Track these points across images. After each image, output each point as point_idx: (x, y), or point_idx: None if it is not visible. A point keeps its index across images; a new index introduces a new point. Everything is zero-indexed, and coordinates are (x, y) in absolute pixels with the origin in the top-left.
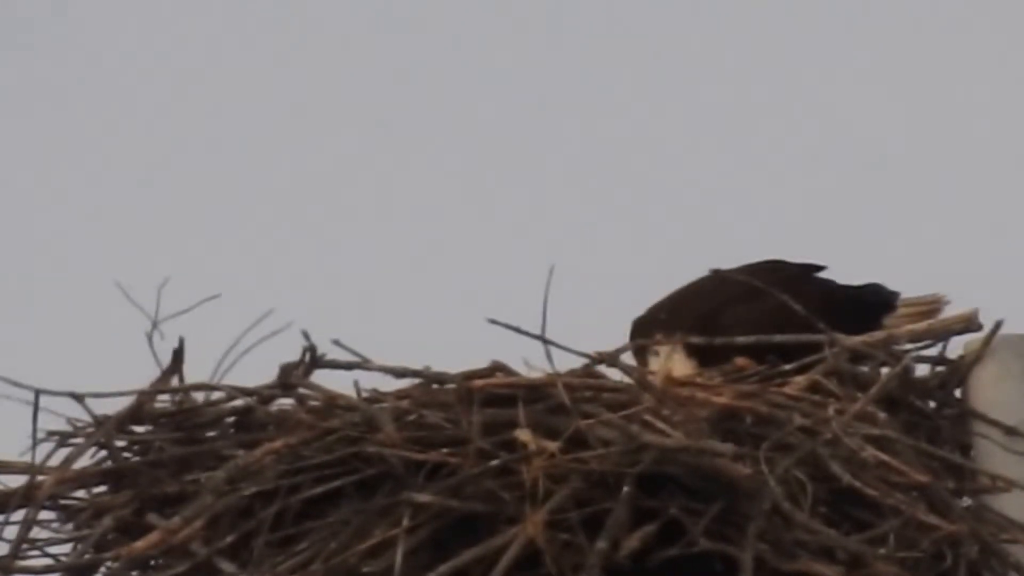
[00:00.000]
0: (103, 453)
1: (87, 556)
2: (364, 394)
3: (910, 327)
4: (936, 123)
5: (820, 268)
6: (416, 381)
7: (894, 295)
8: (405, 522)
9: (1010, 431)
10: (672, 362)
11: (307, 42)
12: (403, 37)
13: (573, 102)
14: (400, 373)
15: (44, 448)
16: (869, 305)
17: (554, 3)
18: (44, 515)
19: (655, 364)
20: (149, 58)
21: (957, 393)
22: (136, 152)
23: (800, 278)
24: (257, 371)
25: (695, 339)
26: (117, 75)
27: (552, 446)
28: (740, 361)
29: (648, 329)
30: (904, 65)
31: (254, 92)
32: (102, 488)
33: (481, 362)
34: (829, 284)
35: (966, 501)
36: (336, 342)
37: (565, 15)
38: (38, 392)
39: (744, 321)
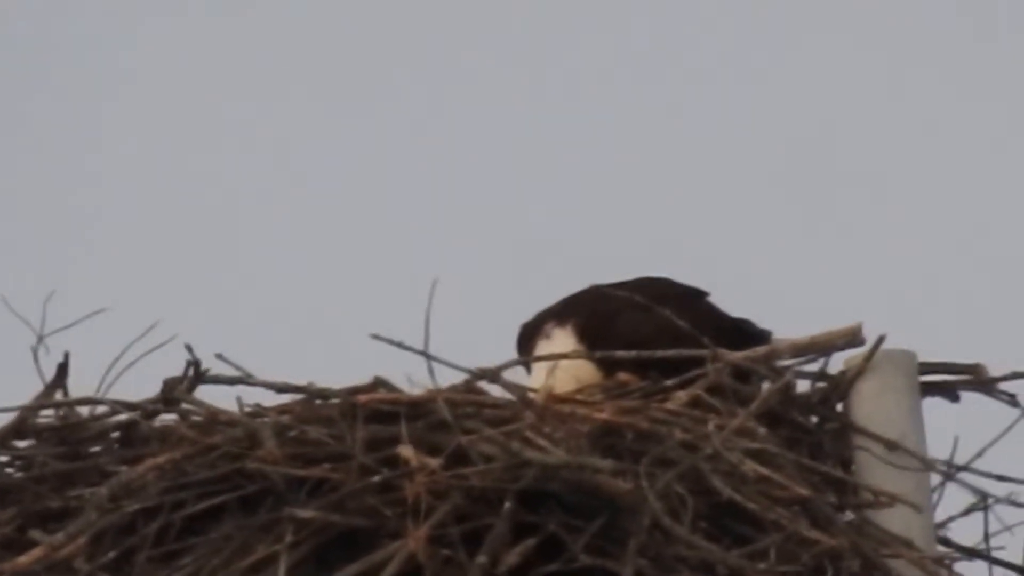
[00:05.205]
0: None
1: None
2: (247, 409)
3: (793, 341)
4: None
5: (705, 293)
6: (299, 396)
7: (767, 333)
8: (288, 538)
9: (891, 446)
10: (559, 347)
11: (193, 56)
12: (279, 49)
13: (465, 114)
14: (283, 388)
15: None
16: (749, 336)
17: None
18: None
19: (544, 349)
20: (37, 74)
21: (839, 408)
22: (20, 163)
23: (690, 297)
24: (145, 385)
25: (578, 345)
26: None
27: (434, 462)
28: (623, 376)
29: (538, 322)
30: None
31: (139, 100)
32: None
33: (364, 378)
34: (716, 309)
35: (848, 516)
36: (219, 356)
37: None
38: None
39: (638, 327)
